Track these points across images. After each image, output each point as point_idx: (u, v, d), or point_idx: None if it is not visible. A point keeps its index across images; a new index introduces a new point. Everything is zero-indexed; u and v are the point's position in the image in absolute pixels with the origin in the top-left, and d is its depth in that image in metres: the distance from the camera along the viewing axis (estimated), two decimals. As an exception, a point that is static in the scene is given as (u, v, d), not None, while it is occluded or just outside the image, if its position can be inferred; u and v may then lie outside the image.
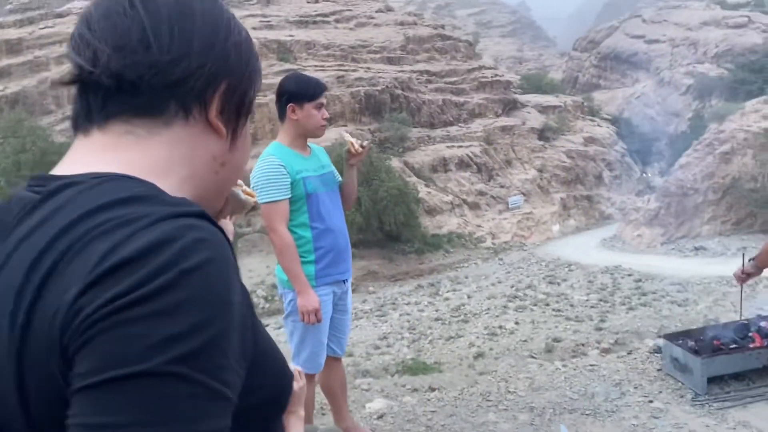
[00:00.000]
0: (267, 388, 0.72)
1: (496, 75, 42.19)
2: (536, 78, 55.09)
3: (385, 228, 28.68)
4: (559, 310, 23.89)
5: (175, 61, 0.68)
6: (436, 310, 25.79)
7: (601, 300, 24.15)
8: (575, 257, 31.18)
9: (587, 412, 3.31)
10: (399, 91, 35.79)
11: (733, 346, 3.47)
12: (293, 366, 1.49)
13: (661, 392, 3.45)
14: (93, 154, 0.70)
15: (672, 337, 3.65)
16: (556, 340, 20.76)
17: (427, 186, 33.10)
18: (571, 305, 24.25)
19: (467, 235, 32.05)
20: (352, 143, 3.05)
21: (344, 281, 3.04)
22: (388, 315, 25.93)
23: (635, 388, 3.55)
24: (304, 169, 2.86)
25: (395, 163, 31.57)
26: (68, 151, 0.74)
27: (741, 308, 3.72)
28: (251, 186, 2.79)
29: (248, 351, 0.63)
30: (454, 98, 38.47)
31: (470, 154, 35.31)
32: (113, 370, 0.50)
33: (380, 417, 3.51)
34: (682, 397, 3.37)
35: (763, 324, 3.57)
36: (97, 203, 0.60)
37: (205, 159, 0.76)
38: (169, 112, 0.70)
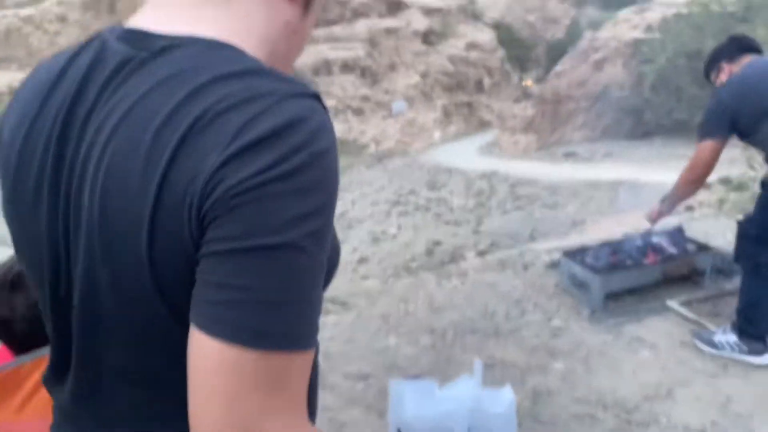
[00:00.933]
0: (332, 261, 0.72)
1: (381, -27, 40.97)
2: (421, -21, 54.25)
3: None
4: (439, 215, 24.62)
5: None
6: (320, 217, 25.79)
7: (478, 204, 25.03)
8: (455, 163, 31.87)
9: (488, 332, 3.28)
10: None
11: (629, 262, 3.52)
12: None
13: (559, 309, 3.47)
14: (178, 13, 0.70)
15: (570, 254, 3.66)
16: (437, 243, 21.44)
17: (309, 89, 32.32)
18: (451, 209, 25.03)
19: (351, 141, 31.79)
20: None
21: None
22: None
23: (534, 305, 3.55)
24: None
25: (276, 64, 30.49)
26: (149, 5, 0.73)
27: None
28: None
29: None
30: (337, -4, 37.17)
31: (354, 57, 34.59)
32: (259, 238, 0.55)
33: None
34: (579, 314, 3.40)
35: (655, 240, 3.64)
36: (221, 72, 0.62)
37: (279, 24, 0.76)
38: None
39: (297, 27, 0.80)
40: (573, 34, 39.35)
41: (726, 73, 2.87)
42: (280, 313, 0.58)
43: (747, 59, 2.84)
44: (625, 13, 29.30)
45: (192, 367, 0.58)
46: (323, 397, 3.00)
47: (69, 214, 0.66)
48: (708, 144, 2.75)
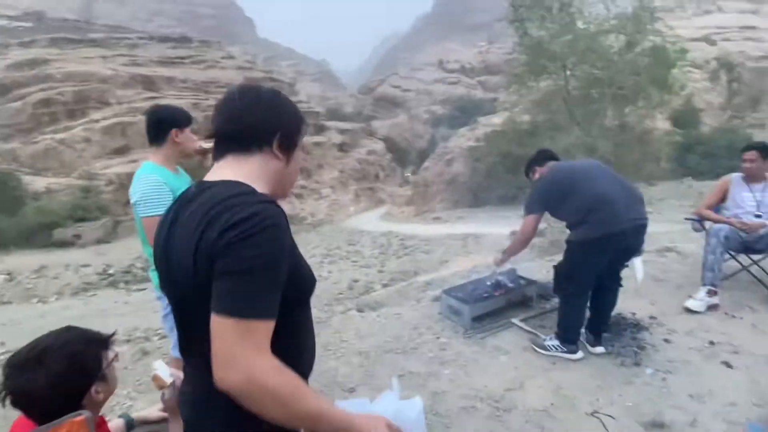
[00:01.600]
0: (296, 286, 0.92)
1: (310, 107, 41.51)
2: (335, 111, 55.44)
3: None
4: (356, 261, 24.29)
5: (254, 126, 0.97)
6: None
7: (381, 253, 24.94)
8: (365, 227, 31.89)
9: (398, 351, 3.12)
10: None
11: (486, 294, 3.49)
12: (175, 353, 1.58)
13: (444, 330, 3.36)
14: (220, 171, 0.97)
15: (447, 291, 3.59)
16: (355, 280, 21.09)
17: (264, 183, 31.89)
18: (363, 257, 24.78)
19: (295, 216, 31.29)
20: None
21: None
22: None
23: (427, 328, 3.42)
24: (179, 188, 2.22)
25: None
26: (213, 168, 1.00)
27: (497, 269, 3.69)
28: (133, 202, 2.11)
29: (289, 266, 0.88)
30: (281, 122, 37.35)
31: (294, 161, 34.65)
32: (232, 267, 0.81)
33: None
34: (456, 332, 3.31)
35: (500, 278, 3.63)
36: (227, 194, 0.88)
37: (272, 172, 1.00)
38: (253, 149, 0.98)
39: (284, 172, 1.03)
40: (433, 144, 41.26)
41: (538, 173, 2.99)
42: (245, 300, 0.80)
43: (551, 164, 2.97)
44: (462, 130, 31.06)
45: (211, 331, 0.81)
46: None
47: (167, 266, 0.95)
48: (531, 218, 2.83)
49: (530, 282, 3.69)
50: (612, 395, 2.54)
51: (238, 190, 0.88)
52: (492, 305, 3.41)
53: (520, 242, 2.95)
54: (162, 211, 2.09)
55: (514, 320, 3.37)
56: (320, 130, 40.21)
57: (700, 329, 3.17)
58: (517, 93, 8.37)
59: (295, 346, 0.98)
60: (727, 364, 2.74)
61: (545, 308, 3.56)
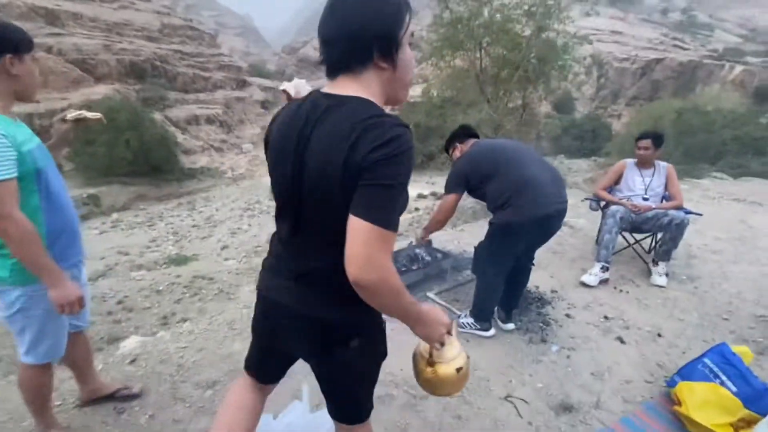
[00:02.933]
0: (405, 199, 0.91)
1: (232, 61, 37.87)
2: (258, 67, 51.41)
3: (151, 162, 24.22)
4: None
5: (346, 51, 0.90)
6: (193, 220, 23.11)
7: None
8: (284, 183, 30.68)
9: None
10: (158, 63, 29.83)
11: (403, 268, 3.10)
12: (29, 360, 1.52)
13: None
14: (340, 86, 0.92)
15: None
16: (274, 234, 20.28)
17: (183, 134, 28.69)
18: (283, 212, 23.92)
19: (214, 169, 28.85)
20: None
21: (81, 261, 1.65)
22: (156, 224, 22.18)
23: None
24: (26, 140, 1.39)
25: (157, 116, 26.60)
26: (330, 84, 0.95)
27: (414, 237, 3.37)
28: None
29: None
30: (202, 73, 33.50)
31: (215, 114, 31.48)
32: (380, 180, 0.82)
33: (133, 361, 2.32)
34: (373, 307, 2.89)
35: (418, 251, 3.27)
36: (366, 113, 0.86)
37: (385, 82, 0.94)
38: (358, 68, 0.91)
39: (394, 79, 0.94)
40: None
41: (459, 150, 2.58)
42: (386, 213, 0.83)
43: (472, 141, 2.58)
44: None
45: (348, 230, 0.83)
46: (176, 411, 2.14)
47: (300, 166, 0.92)
48: (450, 197, 2.45)
49: (446, 255, 3.37)
50: (523, 376, 2.30)
51: (375, 111, 0.88)
52: (409, 279, 3.03)
53: (439, 221, 2.58)
54: (10, 174, 1.30)
55: (430, 294, 3.04)
56: (242, 85, 37.04)
57: (595, 303, 3.08)
58: (435, 66, 7.97)
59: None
60: (621, 340, 2.65)
61: (458, 281, 3.28)
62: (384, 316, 1.12)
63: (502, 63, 7.54)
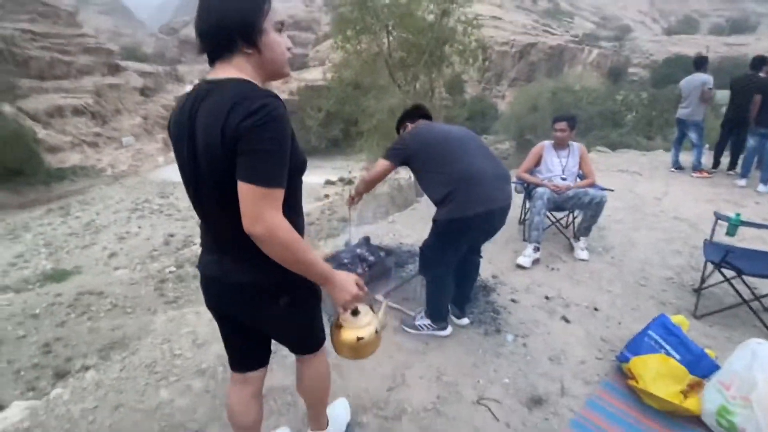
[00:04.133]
0: (294, 163, 1.05)
1: (99, 43, 32.91)
2: (132, 50, 45.57)
3: (6, 164, 20.28)
4: (170, 215, 21.31)
5: (211, 40, 1.04)
6: (69, 227, 20.16)
7: None
8: (178, 178, 27.73)
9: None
10: (2, 45, 24.75)
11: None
12: None
13: (304, 319, 2.62)
14: (219, 71, 1.05)
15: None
16: (171, 235, 18.39)
17: (45, 128, 24.42)
18: (179, 210, 21.89)
19: (90, 167, 25.20)
20: None
21: None
22: (21, 236, 18.94)
23: (284, 320, 2.62)
24: None
25: (8, 109, 22.23)
26: (211, 71, 1.07)
27: (350, 235, 3.11)
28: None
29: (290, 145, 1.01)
30: (61, 57, 28.64)
31: (84, 104, 27.22)
32: (253, 145, 0.94)
33: (23, 439, 1.79)
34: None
35: (359, 251, 3.04)
36: (242, 89, 0.99)
37: (255, 66, 1.06)
38: (227, 55, 1.04)
39: (263, 61, 1.07)
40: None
41: (409, 128, 2.41)
42: (264, 173, 0.96)
43: (423, 122, 2.42)
44: (275, 83, 29.00)
45: (239, 195, 0.97)
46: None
47: (192, 147, 1.03)
48: (384, 163, 2.26)
49: (388, 252, 3.18)
50: (489, 373, 2.24)
51: (248, 87, 1.00)
52: (355, 284, 2.78)
53: (366, 182, 2.39)
54: None
55: (378, 296, 2.84)
56: (115, 70, 32.59)
57: (534, 285, 3.15)
58: (341, 48, 7.60)
59: (293, 209, 1.12)
60: (566, 319, 2.73)
61: (403, 278, 3.12)
62: None
63: (409, 47, 7.48)
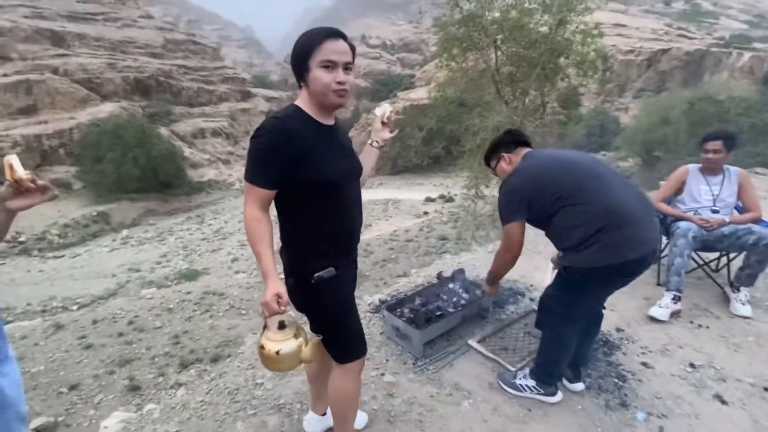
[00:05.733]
0: (307, 174, 1.32)
1: (236, 73, 37.69)
2: (262, 78, 51.28)
3: (159, 177, 23.94)
4: (283, 226, 23.02)
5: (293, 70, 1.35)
6: (203, 233, 22.90)
7: None
8: (292, 192, 30.34)
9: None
10: (162, 78, 29.64)
11: (439, 313, 2.55)
12: None
13: (388, 361, 2.39)
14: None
15: (391, 308, 2.59)
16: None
17: (190, 148, 28.47)
18: (291, 221, 23.53)
19: (222, 181, 28.60)
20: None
21: None
22: (167, 239, 21.99)
23: (368, 358, 2.42)
24: None
25: (164, 131, 26.41)
26: None
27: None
28: None
29: (287, 158, 1.29)
30: (206, 87, 33.32)
31: (221, 127, 31.20)
32: (247, 153, 1.36)
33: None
34: (404, 363, 2.36)
35: (450, 286, 2.73)
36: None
37: (308, 95, 1.34)
38: (300, 85, 1.35)
39: (311, 93, 1.33)
40: (356, 114, 39.49)
41: (507, 161, 1.95)
42: (248, 171, 1.31)
43: (524, 151, 1.96)
44: (383, 103, 30.10)
45: None
46: None
47: None
48: (513, 226, 1.81)
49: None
50: (611, 463, 1.75)
51: (281, 110, 1.38)
52: (446, 325, 2.49)
53: (507, 261, 1.92)
54: None
55: (471, 342, 2.49)
56: (246, 96, 36.84)
57: (673, 344, 2.50)
58: (445, 67, 7.40)
59: (322, 220, 1.39)
60: (721, 399, 2.08)
61: (503, 320, 2.73)
62: None
63: (518, 60, 6.98)
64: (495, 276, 2.09)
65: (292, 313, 1.38)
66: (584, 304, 1.79)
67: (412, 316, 2.48)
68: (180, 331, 10.57)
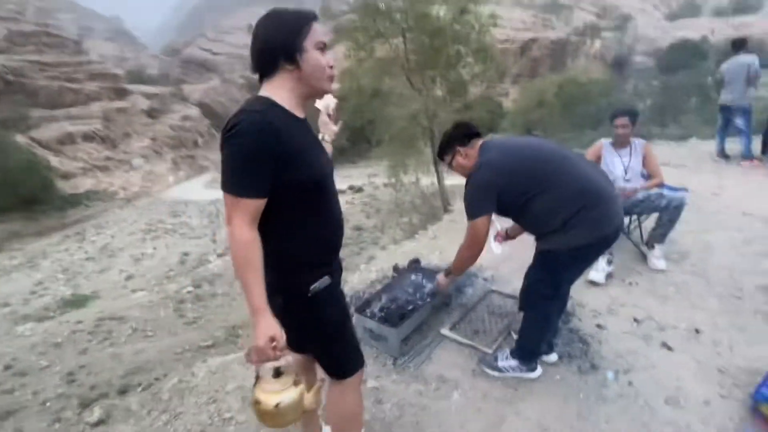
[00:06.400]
0: (301, 174, 1.15)
1: (105, 68, 33.16)
2: (138, 73, 45.95)
3: (21, 194, 20.34)
4: (184, 233, 21.21)
5: (258, 56, 1.17)
6: (86, 252, 20.13)
7: (210, 222, 22.42)
8: (189, 197, 27.82)
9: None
10: (11, 77, 24.95)
11: (410, 307, 2.48)
12: None
13: (367, 366, 2.26)
14: (262, 90, 1.18)
15: (360, 309, 2.45)
16: (186, 254, 18.21)
17: (57, 156, 24.54)
18: (192, 228, 21.81)
19: (102, 191, 25.22)
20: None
21: None
22: (40, 264, 18.89)
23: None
24: None
25: (21, 139, 22.38)
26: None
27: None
28: None
29: (276, 159, 1.10)
30: (69, 85, 28.82)
31: (93, 130, 27.33)
32: (222, 157, 1.09)
33: None
34: (384, 365, 2.26)
35: (413, 277, 2.68)
36: (241, 106, 1.13)
37: (295, 80, 1.17)
38: (271, 71, 1.17)
39: (303, 77, 1.17)
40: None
41: (464, 156, 1.91)
42: (227, 182, 1.09)
43: (479, 142, 1.91)
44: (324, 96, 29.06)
45: None
46: None
47: None
48: (479, 222, 1.78)
49: (446, 273, 2.80)
50: (600, 425, 1.85)
51: (248, 102, 1.14)
52: (419, 319, 2.43)
53: (473, 255, 1.90)
54: None
55: (444, 331, 2.47)
56: (122, 94, 32.77)
57: (616, 304, 2.75)
58: (354, 57, 7.28)
59: (309, 223, 1.22)
60: (667, 347, 2.33)
61: (465, 304, 2.75)
62: None
63: (426, 50, 7.13)
64: (458, 271, 2.08)
65: (289, 356, 1.17)
66: (569, 282, 1.85)
67: (383, 315, 2.37)
68: (75, 367, 9.14)
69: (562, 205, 1.69)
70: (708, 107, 21.07)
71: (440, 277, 2.16)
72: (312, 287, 1.23)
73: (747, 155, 5.61)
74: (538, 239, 1.85)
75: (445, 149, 1.98)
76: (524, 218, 1.83)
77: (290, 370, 1.18)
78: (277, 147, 1.08)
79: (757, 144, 5.90)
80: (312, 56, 1.15)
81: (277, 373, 1.15)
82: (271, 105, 1.14)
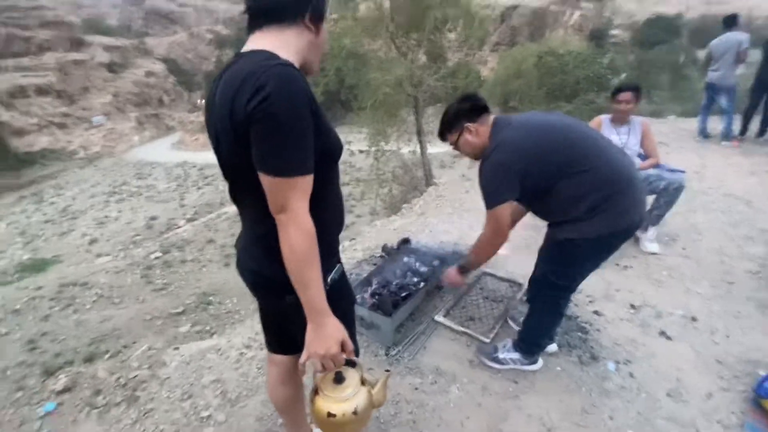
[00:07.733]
0: (331, 144, 0.96)
1: (59, 16, 30.32)
2: (96, 23, 42.34)
3: (-32, 152, 18.79)
4: (150, 197, 20.41)
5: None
6: (44, 214, 19.10)
7: (178, 185, 21.62)
8: (155, 158, 26.53)
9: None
10: (-51, 20, 22.47)
11: (404, 293, 2.29)
12: None
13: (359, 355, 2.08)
14: (253, 42, 0.92)
15: (350, 295, 2.24)
16: (153, 218, 17.51)
17: (8, 110, 22.58)
18: (159, 192, 20.99)
19: (60, 150, 23.61)
20: None
21: None
22: (-7, 227, 17.72)
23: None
24: None
25: (-36, 90, 20.42)
26: (248, 41, 0.94)
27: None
28: None
29: (314, 125, 0.86)
30: (19, 32, 26.29)
31: (48, 83, 25.21)
32: (265, 130, 0.82)
33: None
34: (376, 356, 2.09)
35: (405, 260, 2.49)
36: (256, 61, 0.85)
37: (305, 43, 0.95)
38: (287, 21, 0.92)
39: (315, 44, 0.98)
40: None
41: (474, 134, 1.66)
42: (282, 159, 0.83)
43: (491, 118, 1.68)
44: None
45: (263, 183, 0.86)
46: None
47: (214, 133, 0.95)
48: (499, 210, 1.56)
49: (441, 260, 2.63)
50: (605, 420, 1.76)
51: (264, 56, 0.86)
52: (412, 306, 2.26)
53: (496, 247, 1.69)
54: None
55: (438, 318, 2.31)
56: (78, 45, 30.25)
57: (611, 289, 2.67)
58: (337, 14, 6.74)
59: (321, 203, 0.96)
60: (665, 335, 2.27)
61: (458, 292, 2.59)
62: None
63: (411, 12, 6.69)
64: (475, 266, 1.89)
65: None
66: (587, 273, 1.69)
67: (376, 301, 2.18)
68: (36, 335, 8.74)
69: (591, 189, 1.50)
70: (680, 84, 21.30)
71: (452, 273, 1.95)
72: (329, 278, 1.05)
73: (728, 135, 5.62)
74: (553, 227, 1.67)
75: (450, 126, 1.72)
76: (542, 204, 1.64)
77: (351, 371, 1.05)
78: (314, 110, 0.88)
79: (737, 124, 5.92)
80: (325, 29, 1.03)
81: (339, 378, 1.02)
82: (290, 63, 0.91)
